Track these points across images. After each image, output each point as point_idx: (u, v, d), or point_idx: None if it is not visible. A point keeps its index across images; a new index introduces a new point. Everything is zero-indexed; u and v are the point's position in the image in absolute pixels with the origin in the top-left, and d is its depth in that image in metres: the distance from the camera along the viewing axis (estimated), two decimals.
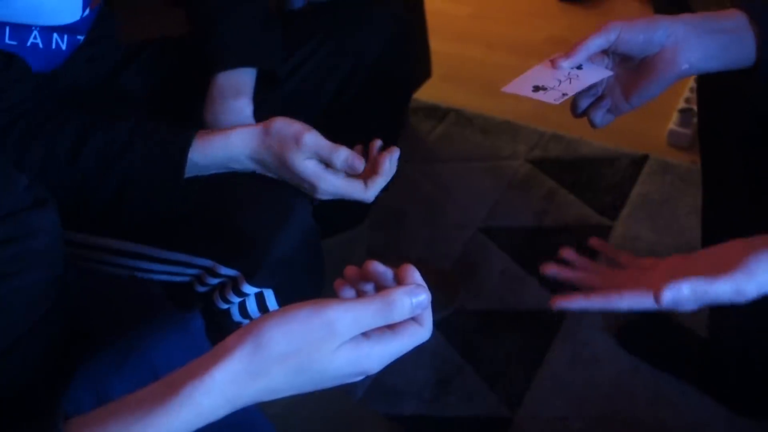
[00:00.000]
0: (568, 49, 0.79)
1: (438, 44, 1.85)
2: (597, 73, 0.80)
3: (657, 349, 1.29)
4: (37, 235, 0.60)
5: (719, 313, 1.17)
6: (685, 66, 0.77)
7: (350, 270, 0.60)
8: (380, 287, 0.58)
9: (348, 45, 1.09)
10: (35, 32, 0.87)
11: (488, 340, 1.35)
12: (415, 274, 0.56)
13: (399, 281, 0.56)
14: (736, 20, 0.76)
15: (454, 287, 1.41)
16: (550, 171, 1.71)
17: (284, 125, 0.80)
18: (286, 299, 0.88)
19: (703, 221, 1.09)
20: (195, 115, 0.96)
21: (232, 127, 0.83)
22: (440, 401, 1.26)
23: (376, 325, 0.54)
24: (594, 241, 0.82)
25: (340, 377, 0.54)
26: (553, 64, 0.79)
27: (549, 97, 0.77)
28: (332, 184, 0.81)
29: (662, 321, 1.31)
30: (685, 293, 0.64)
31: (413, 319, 0.55)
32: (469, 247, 1.53)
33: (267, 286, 0.87)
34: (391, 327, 0.54)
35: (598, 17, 2.29)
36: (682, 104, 1.78)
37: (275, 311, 0.53)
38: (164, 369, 0.65)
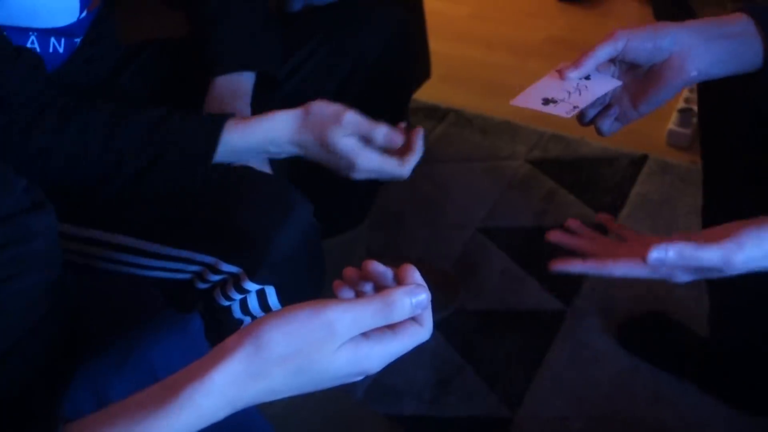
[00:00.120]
0: (575, 59, 0.78)
1: (437, 44, 1.84)
2: (606, 84, 0.79)
3: (657, 348, 1.29)
4: (35, 237, 0.60)
5: (719, 312, 1.17)
6: (694, 73, 0.76)
7: (349, 271, 0.60)
8: (380, 287, 0.58)
9: (348, 45, 1.09)
10: (32, 37, 0.87)
11: (488, 340, 1.35)
12: (415, 274, 0.56)
13: (399, 281, 0.56)
14: (741, 25, 0.76)
15: (454, 287, 1.41)
16: (549, 171, 1.71)
17: (323, 106, 0.84)
18: (287, 296, 0.88)
19: (703, 221, 1.09)
20: None
21: (271, 111, 0.85)
22: (440, 401, 1.26)
23: (376, 325, 0.53)
24: (601, 216, 0.82)
25: (340, 377, 0.54)
26: (561, 75, 0.78)
27: (560, 110, 0.76)
28: (370, 160, 0.84)
29: (662, 320, 1.31)
30: (671, 255, 0.65)
31: (413, 319, 0.55)
32: (469, 247, 1.53)
33: (269, 283, 0.87)
34: (391, 327, 0.54)
35: (597, 17, 2.29)
36: (681, 104, 1.78)
37: (275, 312, 0.53)
38: (163, 370, 0.65)
